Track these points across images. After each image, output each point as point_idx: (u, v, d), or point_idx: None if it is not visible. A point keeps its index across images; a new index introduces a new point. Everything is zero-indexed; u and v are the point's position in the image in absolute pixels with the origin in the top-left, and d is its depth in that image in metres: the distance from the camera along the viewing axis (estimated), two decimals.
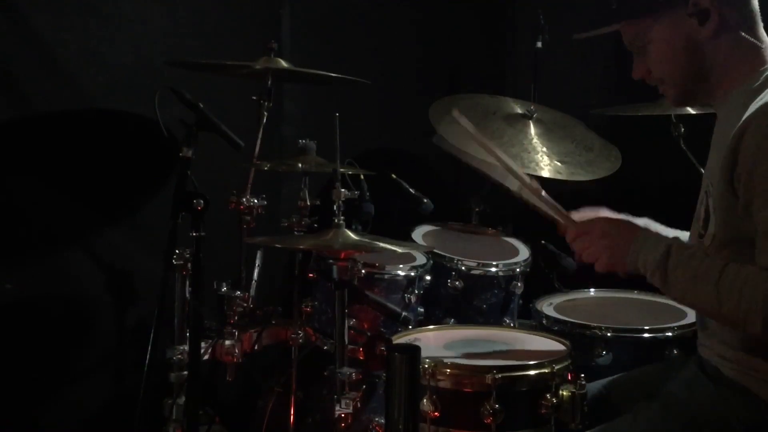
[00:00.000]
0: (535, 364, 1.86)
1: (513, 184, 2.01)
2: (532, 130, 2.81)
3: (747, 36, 1.65)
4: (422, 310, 2.55)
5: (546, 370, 1.83)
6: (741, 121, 1.54)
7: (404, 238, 2.73)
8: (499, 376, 1.78)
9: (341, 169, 2.06)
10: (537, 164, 2.65)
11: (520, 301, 2.71)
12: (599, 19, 1.78)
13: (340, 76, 2.52)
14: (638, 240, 1.68)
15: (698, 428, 1.64)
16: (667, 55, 1.69)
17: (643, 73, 1.76)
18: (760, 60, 1.65)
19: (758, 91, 1.59)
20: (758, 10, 1.68)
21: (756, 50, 1.65)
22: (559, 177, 2.62)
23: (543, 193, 1.95)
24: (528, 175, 1.99)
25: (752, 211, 1.52)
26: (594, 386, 1.91)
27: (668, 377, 1.82)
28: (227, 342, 2.29)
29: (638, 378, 1.95)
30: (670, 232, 1.94)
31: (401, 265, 2.51)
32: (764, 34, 1.68)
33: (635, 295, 2.58)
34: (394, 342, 2.01)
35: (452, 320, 2.56)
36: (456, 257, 2.62)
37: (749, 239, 1.53)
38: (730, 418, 1.61)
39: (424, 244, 2.78)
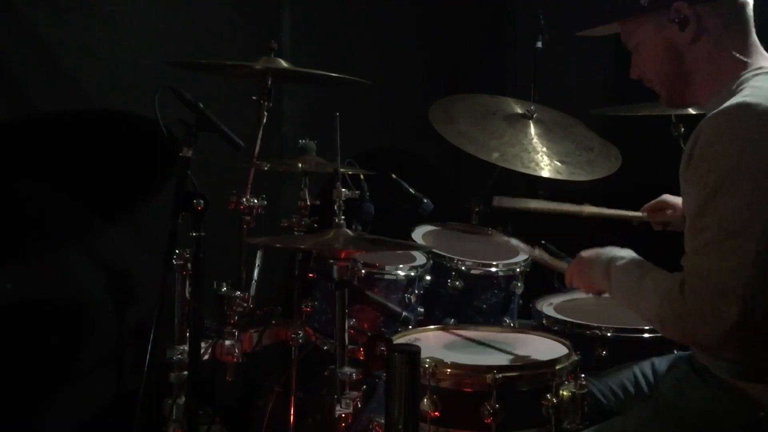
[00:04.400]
0: (535, 364, 1.86)
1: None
2: (532, 130, 2.81)
3: (729, 43, 1.67)
4: (422, 310, 2.55)
5: (546, 370, 1.84)
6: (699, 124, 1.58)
7: (404, 238, 2.73)
8: (499, 376, 1.79)
9: (341, 169, 2.06)
10: (537, 164, 2.65)
11: (520, 301, 2.71)
12: (595, 18, 1.82)
13: (340, 76, 2.52)
14: (594, 264, 1.86)
15: (690, 428, 1.65)
16: (651, 57, 1.75)
17: (639, 73, 1.81)
18: (743, 66, 1.67)
19: (728, 98, 1.60)
20: (750, 18, 1.70)
21: (738, 57, 1.67)
22: (559, 177, 2.62)
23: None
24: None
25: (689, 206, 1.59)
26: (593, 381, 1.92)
27: (660, 376, 1.83)
28: (227, 342, 2.28)
29: (635, 373, 1.96)
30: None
31: (401, 265, 2.51)
32: (755, 42, 1.70)
33: None
34: (394, 342, 2.01)
35: (452, 320, 2.56)
36: (456, 257, 2.62)
37: None
38: (721, 418, 1.62)
39: (424, 244, 2.78)
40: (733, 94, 1.61)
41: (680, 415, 1.67)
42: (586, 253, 1.91)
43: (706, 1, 1.66)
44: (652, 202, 2.32)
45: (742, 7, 1.68)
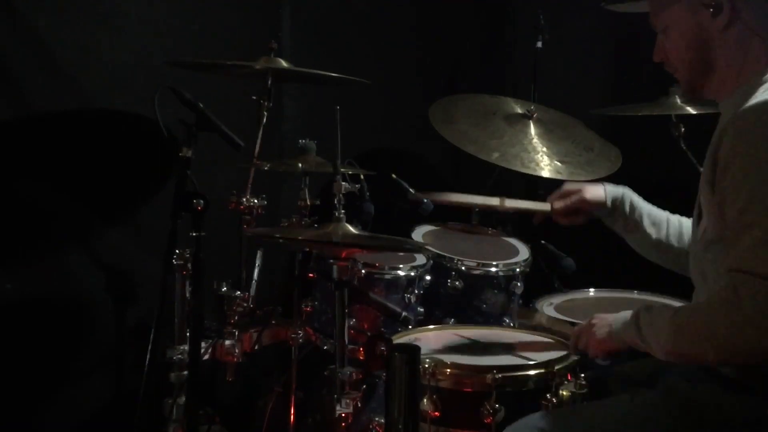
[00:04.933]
0: (535, 364, 1.87)
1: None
2: (532, 130, 2.81)
3: (759, 34, 1.64)
4: (422, 310, 2.54)
5: (546, 370, 1.84)
6: (726, 123, 1.55)
7: (404, 237, 2.72)
8: (499, 376, 1.79)
9: (341, 169, 2.06)
10: (537, 164, 2.65)
11: (520, 301, 2.71)
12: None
13: (340, 76, 2.51)
14: (614, 319, 1.75)
15: (697, 418, 1.63)
16: (680, 40, 1.70)
17: (662, 56, 1.76)
18: (766, 62, 1.64)
19: (754, 92, 1.59)
20: None
21: (765, 52, 1.64)
22: (559, 177, 2.62)
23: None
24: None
25: (724, 212, 1.54)
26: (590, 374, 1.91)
27: (668, 371, 1.82)
28: (227, 342, 2.29)
29: (637, 368, 1.94)
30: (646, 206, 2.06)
31: (401, 265, 2.51)
32: None
33: (635, 295, 2.58)
34: (394, 342, 2.01)
35: (452, 320, 2.56)
36: (456, 257, 2.62)
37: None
38: (729, 412, 1.61)
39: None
40: (754, 90, 1.59)
41: (688, 404, 1.65)
42: (600, 316, 1.83)
43: None
44: (556, 192, 2.25)
45: None
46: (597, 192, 2.15)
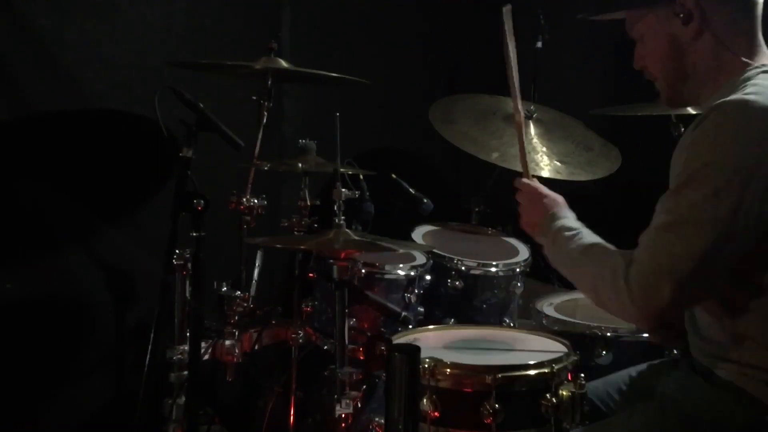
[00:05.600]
0: (535, 364, 1.86)
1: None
2: (532, 130, 2.81)
3: (731, 41, 1.65)
4: (422, 310, 2.54)
5: (546, 370, 1.84)
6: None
7: (404, 238, 2.73)
8: (499, 376, 1.79)
9: (341, 169, 2.06)
10: (537, 164, 2.64)
11: (520, 301, 2.71)
12: (602, 6, 1.81)
13: (340, 76, 2.52)
14: (552, 211, 1.85)
15: (693, 428, 1.64)
16: (654, 49, 1.72)
17: (641, 63, 1.78)
18: (743, 66, 1.64)
19: (729, 94, 1.58)
20: (757, 17, 1.67)
21: (739, 56, 1.65)
22: (559, 177, 2.62)
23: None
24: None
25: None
26: (590, 386, 1.91)
27: (662, 377, 1.82)
28: (227, 342, 2.28)
29: (633, 377, 1.94)
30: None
31: (401, 265, 2.51)
32: (760, 42, 1.67)
33: None
34: (394, 342, 2.01)
35: (452, 320, 2.56)
36: (456, 257, 2.62)
37: None
38: (725, 419, 1.61)
39: (424, 244, 2.78)
40: (728, 93, 1.59)
41: (684, 416, 1.65)
42: (555, 195, 1.92)
43: None
44: None
45: (752, 6, 1.66)
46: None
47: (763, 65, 1.64)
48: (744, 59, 1.65)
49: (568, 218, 1.84)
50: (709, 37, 1.65)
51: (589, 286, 1.68)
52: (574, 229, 1.78)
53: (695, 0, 1.63)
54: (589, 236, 1.75)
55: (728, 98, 1.54)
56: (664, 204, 1.57)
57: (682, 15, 1.65)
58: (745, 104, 1.51)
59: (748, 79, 1.61)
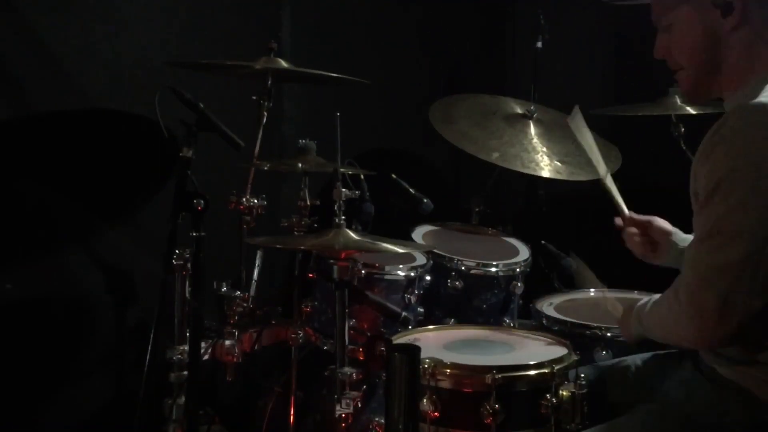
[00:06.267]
0: (535, 364, 1.86)
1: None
2: (532, 130, 2.81)
3: (766, 37, 1.63)
4: (422, 310, 2.54)
5: (546, 370, 1.84)
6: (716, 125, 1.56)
7: (404, 238, 2.73)
8: (499, 376, 1.79)
9: (341, 169, 2.06)
10: (537, 164, 2.65)
11: (520, 301, 2.71)
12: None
13: (340, 76, 2.51)
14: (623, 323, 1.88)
15: (696, 429, 1.64)
16: (687, 39, 1.68)
17: (664, 53, 1.74)
18: None
19: (752, 95, 1.58)
20: None
21: None
22: (559, 177, 2.62)
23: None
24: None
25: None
26: (590, 374, 1.92)
27: (665, 376, 1.83)
28: (227, 342, 2.28)
29: (638, 367, 1.95)
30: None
31: (401, 265, 2.51)
32: None
33: (635, 295, 2.57)
34: (394, 342, 2.01)
35: (452, 320, 2.56)
36: (456, 257, 2.62)
37: None
38: (727, 419, 1.61)
39: (424, 244, 2.78)
40: (753, 91, 1.58)
41: (686, 416, 1.66)
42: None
43: None
44: (641, 218, 2.17)
45: None
46: (666, 224, 2.13)
47: None
48: None
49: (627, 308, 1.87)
50: (747, 30, 1.63)
51: (661, 332, 1.70)
52: (638, 309, 1.80)
53: None
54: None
55: (750, 102, 1.53)
56: (697, 217, 1.57)
57: (720, 6, 1.62)
58: (764, 108, 1.51)
59: None
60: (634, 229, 2.13)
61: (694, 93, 1.76)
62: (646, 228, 2.13)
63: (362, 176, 2.63)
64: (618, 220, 2.19)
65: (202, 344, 2.14)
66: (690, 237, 2.00)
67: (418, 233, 2.83)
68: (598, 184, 2.21)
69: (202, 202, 1.92)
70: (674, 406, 1.70)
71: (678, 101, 2.76)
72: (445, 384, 1.83)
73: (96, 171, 2.62)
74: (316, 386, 2.38)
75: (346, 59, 3.26)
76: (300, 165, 2.49)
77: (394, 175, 2.85)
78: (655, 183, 3.27)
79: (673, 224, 2.08)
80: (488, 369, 1.80)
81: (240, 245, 2.49)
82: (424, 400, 1.81)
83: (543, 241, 2.73)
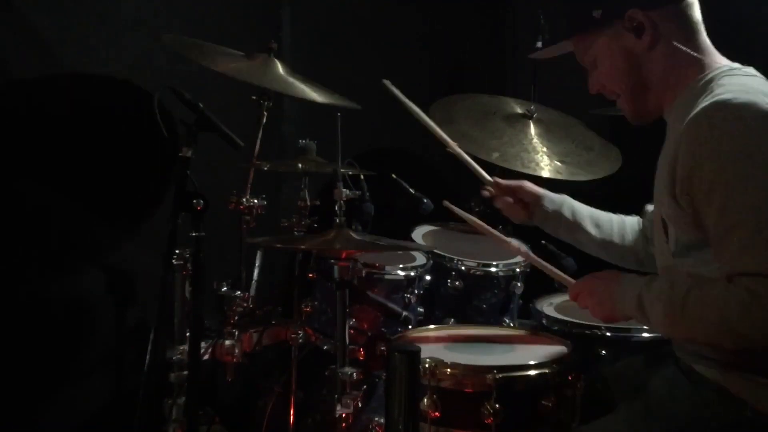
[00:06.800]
0: (535, 364, 1.87)
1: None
2: (532, 130, 2.81)
3: (684, 45, 1.69)
4: (422, 310, 2.54)
5: (546, 370, 1.84)
6: (678, 134, 1.59)
7: (404, 238, 2.73)
8: (499, 376, 1.79)
9: (341, 169, 2.06)
10: (537, 164, 2.65)
11: (520, 301, 2.71)
12: (552, 38, 1.88)
13: (331, 103, 2.51)
14: (617, 292, 1.73)
15: (678, 428, 1.65)
16: (612, 68, 1.76)
17: (599, 87, 1.82)
18: (700, 67, 1.69)
19: (696, 98, 1.61)
20: (700, 19, 1.72)
21: (695, 58, 1.69)
22: (559, 177, 2.62)
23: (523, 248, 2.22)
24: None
25: (701, 220, 1.56)
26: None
27: (650, 373, 1.83)
28: (227, 342, 2.29)
29: (623, 372, 1.95)
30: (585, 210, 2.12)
31: (401, 265, 2.51)
32: (706, 42, 1.72)
33: None
34: (394, 342, 2.01)
35: (452, 320, 2.56)
36: (456, 257, 2.62)
37: (707, 243, 1.57)
38: (709, 418, 1.62)
39: (424, 244, 2.78)
40: (696, 95, 1.62)
41: (669, 414, 1.67)
42: (602, 278, 1.82)
43: (656, 6, 1.68)
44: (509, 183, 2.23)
45: (690, 8, 1.71)
46: (535, 187, 2.20)
47: (720, 67, 1.67)
48: (699, 57, 1.69)
49: (633, 282, 1.72)
50: (663, 43, 1.69)
51: (714, 332, 1.53)
52: (656, 280, 1.67)
53: (642, 12, 1.67)
54: (663, 283, 1.65)
55: (704, 106, 1.55)
56: (720, 228, 1.51)
57: (633, 28, 1.69)
58: (725, 104, 1.53)
59: (711, 81, 1.64)
60: (507, 198, 2.20)
61: (637, 115, 1.81)
62: (516, 192, 2.20)
63: (362, 176, 2.63)
64: (486, 190, 2.25)
65: (202, 344, 2.14)
66: (558, 197, 2.13)
67: (418, 233, 2.83)
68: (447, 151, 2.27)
69: (202, 202, 1.91)
70: (657, 404, 1.70)
71: None
72: (445, 384, 1.83)
73: (96, 171, 2.62)
74: (316, 386, 2.38)
75: (346, 59, 3.25)
76: (300, 165, 2.49)
77: (394, 175, 2.85)
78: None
79: None
80: (489, 369, 1.80)
81: (240, 245, 2.49)
82: (425, 400, 1.81)
83: (543, 241, 2.73)
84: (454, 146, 2.30)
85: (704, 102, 1.57)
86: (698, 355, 1.66)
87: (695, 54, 1.69)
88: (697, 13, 1.72)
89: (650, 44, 1.69)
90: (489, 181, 2.25)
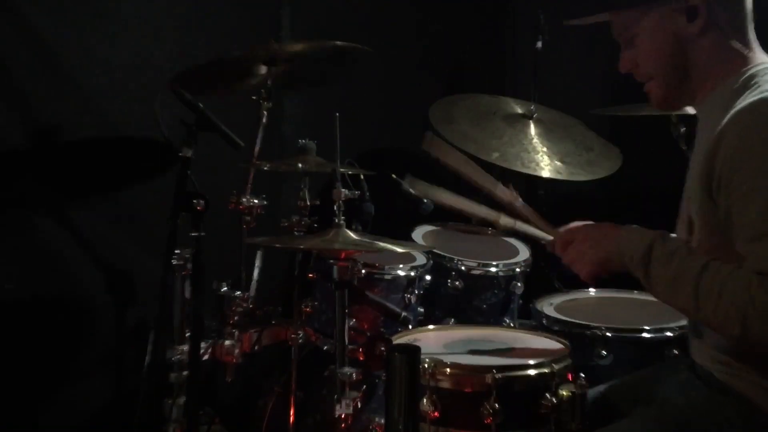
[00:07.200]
0: (535, 364, 1.86)
1: (490, 215, 2.02)
2: (532, 130, 2.81)
3: (733, 36, 1.63)
4: (422, 310, 2.55)
5: (546, 370, 1.84)
6: (719, 127, 1.53)
7: (404, 238, 2.73)
8: (499, 376, 1.79)
9: (341, 169, 2.06)
10: (537, 164, 2.65)
11: (520, 301, 2.71)
12: (591, 8, 1.76)
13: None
14: (622, 236, 1.67)
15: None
16: (653, 49, 1.68)
17: (631, 66, 1.73)
18: (743, 61, 1.63)
19: (737, 94, 1.57)
20: (750, 11, 1.66)
21: (740, 51, 1.63)
22: (559, 177, 2.62)
23: (519, 201, 1.97)
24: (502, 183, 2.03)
25: (732, 218, 1.51)
26: (593, 391, 1.89)
27: (664, 380, 1.82)
28: (227, 342, 2.28)
29: (635, 382, 1.94)
30: None
31: (401, 265, 2.51)
32: (753, 35, 1.66)
33: (635, 295, 2.57)
34: (394, 342, 2.01)
35: (452, 320, 2.56)
36: (456, 257, 2.62)
37: (730, 252, 1.52)
38: (723, 423, 1.60)
39: (424, 244, 2.78)
40: (737, 90, 1.58)
41: (684, 420, 1.65)
42: (602, 225, 1.74)
43: None
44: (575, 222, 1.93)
45: (745, 1, 1.64)
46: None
47: (762, 62, 1.62)
48: (745, 52, 1.63)
49: (641, 231, 1.64)
50: (714, 31, 1.62)
51: (723, 316, 1.46)
52: (674, 242, 1.59)
53: None
54: (681, 245, 1.57)
55: (749, 101, 1.51)
56: (760, 226, 1.46)
57: (685, 12, 1.62)
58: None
59: (756, 76, 1.58)
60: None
61: (664, 101, 1.74)
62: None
63: (362, 176, 2.63)
64: (549, 246, 1.95)
65: (202, 344, 2.13)
66: None
67: (418, 233, 2.83)
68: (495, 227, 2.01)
69: (202, 202, 1.91)
70: (673, 411, 1.69)
71: None
72: (445, 384, 1.83)
73: (96, 171, 2.62)
74: (316, 386, 2.38)
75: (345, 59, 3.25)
76: (300, 165, 2.49)
77: (394, 175, 2.84)
78: (655, 183, 3.27)
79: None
80: (488, 369, 1.80)
81: (240, 245, 2.49)
82: (424, 400, 1.80)
83: (543, 242, 2.73)
84: (506, 221, 2.01)
85: (750, 98, 1.52)
86: (718, 360, 1.63)
87: (741, 48, 1.62)
88: (749, 5, 1.65)
89: (701, 29, 1.62)
90: (550, 238, 1.96)
